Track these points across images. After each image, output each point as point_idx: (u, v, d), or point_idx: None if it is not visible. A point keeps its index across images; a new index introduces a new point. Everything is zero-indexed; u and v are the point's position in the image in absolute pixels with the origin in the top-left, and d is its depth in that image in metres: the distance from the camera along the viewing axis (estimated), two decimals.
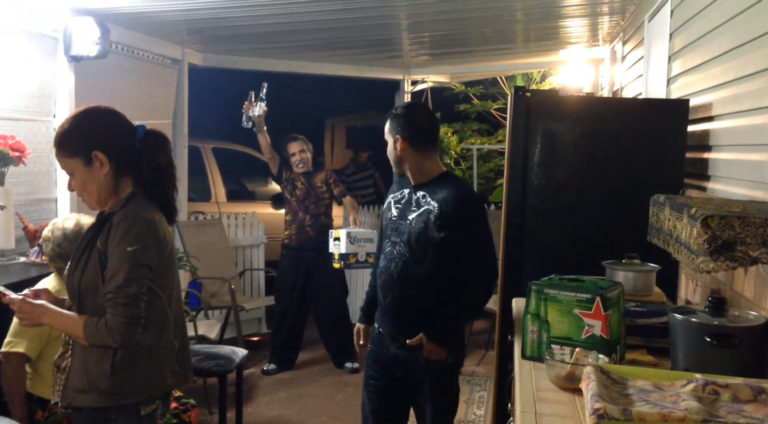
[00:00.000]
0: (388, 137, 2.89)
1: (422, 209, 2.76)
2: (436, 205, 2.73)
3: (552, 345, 2.14)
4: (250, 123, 5.16)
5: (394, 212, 2.86)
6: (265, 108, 5.13)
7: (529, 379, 2.08)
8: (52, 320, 2.12)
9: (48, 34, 4.32)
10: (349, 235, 5.07)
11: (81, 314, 2.10)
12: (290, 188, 5.46)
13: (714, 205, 1.71)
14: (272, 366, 5.43)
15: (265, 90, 5.12)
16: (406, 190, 2.88)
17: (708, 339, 1.89)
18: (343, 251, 5.06)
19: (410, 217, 2.79)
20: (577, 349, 2.04)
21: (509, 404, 2.44)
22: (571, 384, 1.95)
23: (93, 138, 2.13)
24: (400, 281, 2.81)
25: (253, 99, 5.12)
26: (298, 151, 5.41)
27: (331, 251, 5.14)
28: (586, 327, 2.11)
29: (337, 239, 5.11)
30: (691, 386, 1.78)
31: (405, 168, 2.87)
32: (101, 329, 2.03)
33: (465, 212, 2.73)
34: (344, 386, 5.17)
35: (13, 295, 2.17)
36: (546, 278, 2.26)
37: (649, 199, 2.89)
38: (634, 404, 1.69)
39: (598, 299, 2.10)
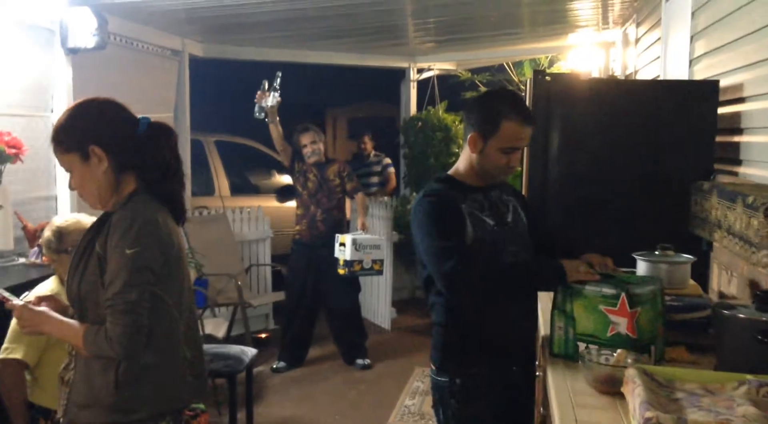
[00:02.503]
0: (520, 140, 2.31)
1: (511, 206, 2.42)
2: (513, 198, 2.46)
3: (577, 343, 2.03)
4: (263, 114, 4.97)
5: (491, 222, 2.32)
6: (279, 98, 4.93)
7: (563, 381, 1.94)
8: (53, 328, 1.99)
9: (44, 26, 4.18)
10: (354, 241, 4.92)
11: (82, 322, 1.95)
12: (302, 181, 5.25)
13: None
14: (282, 364, 5.29)
15: (278, 80, 4.92)
16: (474, 195, 2.34)
17: (759, 337, 1.75)
18: (347, 257, 4.92)
19: (508, 219, 2.38)
20: (618, 350, 1.90)
21: (540, 407, 2.30)
22: (610, 388, 1.81)
23: (89, 132, 1.98)
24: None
25: (266, 88, 4.93)
26: (310, 143, 5.20)
27: (336, 256, 4.99)
28: (611, 325, 1.98)
29: (342, 244, 4.97)
30: (744, 388, 1.65)
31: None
32: (101, 339, 1.87)
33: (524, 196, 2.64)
34: (356, 383, 5.04)
35: (15, 300, 2.04)
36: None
37: (677, 186, 2.76)
38: (686, 411, 1.56)
39: (623, 294, 1.97)
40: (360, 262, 4.96)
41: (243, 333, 5.34)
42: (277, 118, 5.04)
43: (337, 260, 4.99)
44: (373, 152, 7.68)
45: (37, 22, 4.12)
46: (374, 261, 5.03)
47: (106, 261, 1.90)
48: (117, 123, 2.01)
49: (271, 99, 4.90)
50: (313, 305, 5.34)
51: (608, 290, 2.00)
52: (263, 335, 5.96)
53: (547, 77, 3.04)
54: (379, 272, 5.19)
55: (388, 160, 7.63)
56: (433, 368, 2.37)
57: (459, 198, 2.30)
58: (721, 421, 1.49)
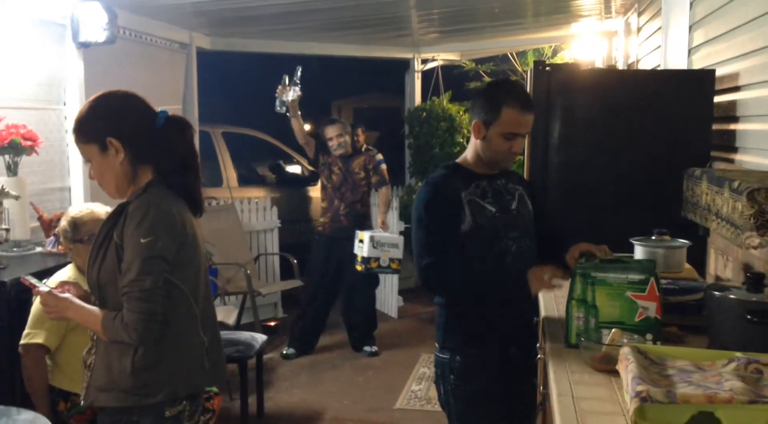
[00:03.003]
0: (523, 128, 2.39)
1: (517, 194, 2.49)
2: (520, 187, 2.53)
3: (602, 330, 2.04)
4: (284, 108, 5.01)
5: (492, 209, 2.40)
6: (300, 92, 4.95)
7: (562, 360, 2.03)
8: (76, 314, 2.06)
9: (56, 21, 4.26)
10: (372, 238, 4.94)
11: (103, 309, 2.03)
12: (327, 173, 5.28)
13: (756, 178, 1.65)
14: (291, 350, 5.37)
15: (299, 74, 4.94)
16: (479, 182, 2.42)
17: (748, 316, 1.83)
18: (365, 254, 4.94)
19: (512, 206, 2.45)
20: (612, 330, 1.99)
21: (540, 386, 2.39)
22: (606, 365, 1.90)
23: (107, 124, 2.03)
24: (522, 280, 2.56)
25: (287, 83, 4.95)
26: (336, 136, 5.22)
27: (355, 252, 5.03)
28: (640, 310, 2.03)
29: (361, 241, 5.01)
30: (733, 365, 1.73)
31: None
32: (117, 325, 1.95)
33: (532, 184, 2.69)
34: (364, 369, 5.14)
35: (41, 287, 2.11)
36: (583, 259, 2.20)
37: (675, 174, 2.83)
38: (677, 386, 1.64)
39: (652, 279, 2.02)
40: (377, 259, 4.99)
41: (252, 321, 5.44)
42: (299, 112, 5.07)
43: (355, 255, 5.05)
44: (365, 146, 7.70)
45: (50, 18, 4.21)
46: (392, 259, 5.08)
47: (123, 250, 1.97)
48: (135, 116, 2.07)
49: (292, 93, 4.93)
50: (329, 296, 5.39)
51: (635, 276, 2.04)
52: (272, 323, 6.06)
53: (547, 68, 3.11)
54: (397, 271, 5.23)
55: (380, 156, 7.63)
56: (437, 345, 2.49)
57: (460, 186, 2.39)
58: (709, 394, 1.57)
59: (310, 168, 7.74)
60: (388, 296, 6.56)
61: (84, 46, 4.37)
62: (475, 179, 2.42)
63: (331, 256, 5.29)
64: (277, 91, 4.96)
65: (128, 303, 1.93)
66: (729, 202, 1.59)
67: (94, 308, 2.05)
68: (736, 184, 1.56)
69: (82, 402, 2.12)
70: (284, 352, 5.38)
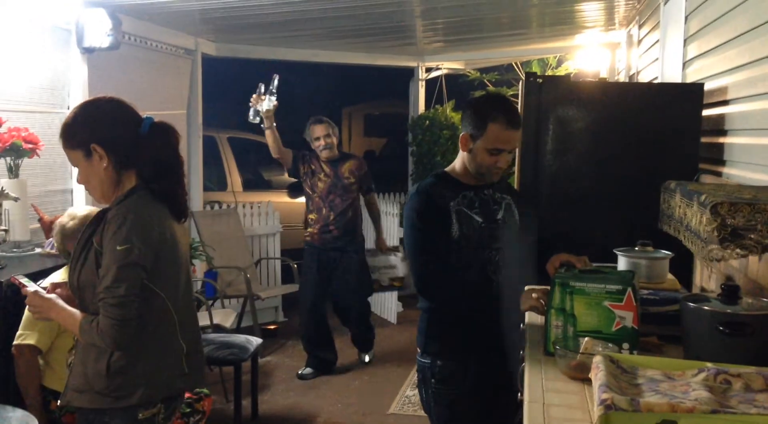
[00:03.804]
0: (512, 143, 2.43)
1: (504, 204, 2.51)
2: (508, 196, 2.55)
3: (579, 339, 2.07)
4: (258, 118, 4.68)
5: (479, 219, 2.44)
6: (276, 102, 4.63)
7: (539, 369, 2.06)
8: (58, 315, 2.09)
9: (61, 26, 4.34)
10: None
11: (83, 311, 2.06)
12: (310, 183, 4.97)
13: (725, 192, 1.68)
14: (308, 370, 5.10)
15: (276, 83, 4.63)
16: (466, 193, 2.46)
17: (720, 328, 1.86)
18: None
19: (498, 216, 2.48)
20: (586, 338, 2.02)
21: (519, 394, 2.42)
22: (581, 374, 1.92)
23: (91, 131, 2.05)
24: (504, 289, 2.49)
25: (262, 91, 4.63)
26: (323, 135, 4.91)
27: None
28: (617, 319, 2.05)
29: None
30: (703, 375, 1.75)
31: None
32: (93, 330, 1.98)
33: (522, 194, 2.73)
34: (360, 374, 5.18)
35: (29, 287, 2.14)
36: (563, 270, 2.23)
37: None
38: (643, 395, 1.67)
39: (629, 290, 2.05)
40: (377, 281, 5.14)
41: (252, 325, 5.48)
42: (274, 124, 4.75)
43: None
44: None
45: (55, 23, 4.29)
46: (391, 279, 5.14)
47: (102, 255, 1.99)
48: (119, 123, 2.09)
49: (267, 103, 4.62)
50: (325, 306, 5.21)
51: (613, 286, 2.06)
52: (272, 327, 6.11)
53: (538, 79, 3.15)
54: (400, 288, 5.37)
55: None
56: (418, 350, 2.53)
57: (448, 196, 2.43)
58: (673, 404, 1.60)
59: None
60: (388, 301, 6.60)
61: (88, 52, 4.44)
62: (462, 189, 2.46)
63: (320, 266, 5.03)
64: (252, 100, 4.65)
65: (103, 309, 1.96)
66: (697, 215, 1.62)
67: (75, 311, 2.08)
68: (703, 197, 1.59)
69: (59, 402, 2.15)
70: (300, 372, 5.11)
